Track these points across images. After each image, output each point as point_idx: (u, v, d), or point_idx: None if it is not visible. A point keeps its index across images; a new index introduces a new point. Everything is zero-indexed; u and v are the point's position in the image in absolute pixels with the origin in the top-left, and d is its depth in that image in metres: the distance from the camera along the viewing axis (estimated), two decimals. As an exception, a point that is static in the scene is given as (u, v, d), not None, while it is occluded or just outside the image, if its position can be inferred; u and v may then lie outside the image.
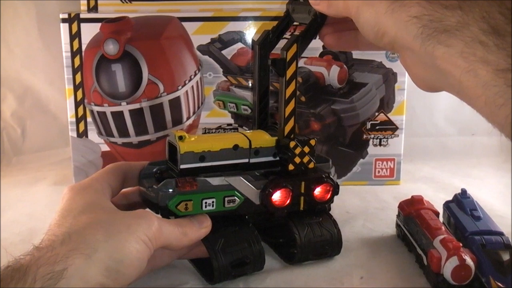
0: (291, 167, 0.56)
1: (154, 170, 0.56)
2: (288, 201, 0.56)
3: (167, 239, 0.49)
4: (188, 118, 0.81)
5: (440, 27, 0.38)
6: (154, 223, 0.48)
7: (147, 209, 0.53)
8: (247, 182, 0.54)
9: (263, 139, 0.57)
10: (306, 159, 0.56)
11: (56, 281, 0.41)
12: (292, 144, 0.55)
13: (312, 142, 0.56)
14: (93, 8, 0.86)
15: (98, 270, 0.43)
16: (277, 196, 0.55)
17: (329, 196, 0.58)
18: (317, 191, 0.57)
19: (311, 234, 0.57)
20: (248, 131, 0.60)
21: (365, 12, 0.43)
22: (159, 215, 0.51)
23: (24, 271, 0.41)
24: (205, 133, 0.82)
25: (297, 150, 0.56)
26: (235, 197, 0.54)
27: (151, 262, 0.52)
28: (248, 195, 0.55)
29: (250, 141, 0.56)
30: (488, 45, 0.36)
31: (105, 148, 0.82)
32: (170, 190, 0.51)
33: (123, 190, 0.57)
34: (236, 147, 0.55)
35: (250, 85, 0.81)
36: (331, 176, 0.58)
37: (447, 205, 0.64)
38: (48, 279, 0.40)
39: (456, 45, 0.37)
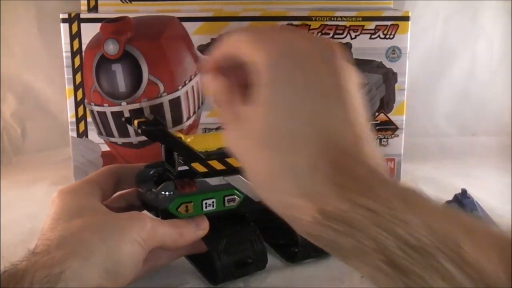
0: None
1: (152, 172, 0.56)
2: None
3: (161, 240, 0.49)
4: (188, 118, 0.81)
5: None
6: (147, 224, 0.48)
7: (144, 211, 0.53)
8: (246, 180, 0.54)
9: None
10: None
11: (54, 284, 0.41)
12: None
13: None
14: (93, 8, 0.86)
15: (96, 272, 0.43)
16: None
17: None
18: None
19: None
20: None
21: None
22: (153, 216, 0.51)
23: (21, 276, 0.41)
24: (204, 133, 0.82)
25: None
26: (235, 196, 0.54)
27: (150, 262, 0.52)
28: (248, 192, 0.55)
29: None
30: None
31: (105, 148, 0.82)
32: (170, 193, 0.51)
33: (121, 192, 0.57)
34: None
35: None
36: None
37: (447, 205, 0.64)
38: (45, 282, 0.40)
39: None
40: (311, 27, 0.79)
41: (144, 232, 0.48)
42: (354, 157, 0.35)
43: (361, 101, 0.37)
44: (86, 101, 0.80)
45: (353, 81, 0.38)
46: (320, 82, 0.36)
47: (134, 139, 0.81)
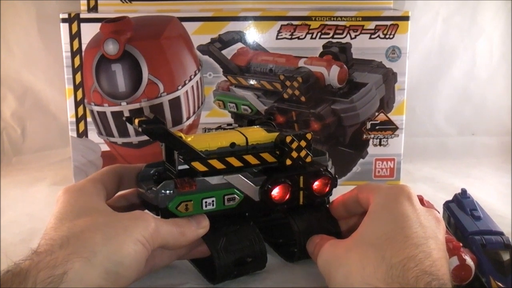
0: (288, 162, 0.56)
1: (152, 172, 0.56)
2: (287, 196, 0.56)
3: (164, 239, 0.49)
4: (188, 118, 0.82)
5: None
6: (151, 224, 0.48)
7: (146, 210, 0.53)
8: (245, 179, 0.54)
9: (259, 135, 0.57)
10: (303, 153, 0.56)
11: (57, 285, 0.41)
12: (288, 138, 0.55)
13: (308, 136, 0.56)
14: (93, 8, 0.86)
15: (98, 273, 0.43)
16: (276, 192, 0.55)
17: (327, 189, 0.58)
18: (316, 184, 0.58)
19: (311, 233, 0.57)
20: (244, 128, 0.59)
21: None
22: (155, 216, 0.51)
23: (24, 276, 0.41)
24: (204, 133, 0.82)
25: (294, 145, 0.56)
26: (235, 195, 0.54)
27: (151, 262, 0.52)
28: (248, 192, 0.55)
29: (246, 138, 0.56)
30: None
31: (105, 148, 0.82)
32: (170, 192, 0.51)
33: (122, 192, 0.57)
34: (233, 145, 0.55)
35: (249, 84, 0.81)
36: (328, 169, 0.58)
37: (447, 205, 0.64)
38: (48, 283, 0.40)
39: None
40: (311, 27, 0.79)
41: (147, 232, 0.48)
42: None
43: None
44: (86, 101, 0.80)
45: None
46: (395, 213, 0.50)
47: (134, 139, 0.82)
